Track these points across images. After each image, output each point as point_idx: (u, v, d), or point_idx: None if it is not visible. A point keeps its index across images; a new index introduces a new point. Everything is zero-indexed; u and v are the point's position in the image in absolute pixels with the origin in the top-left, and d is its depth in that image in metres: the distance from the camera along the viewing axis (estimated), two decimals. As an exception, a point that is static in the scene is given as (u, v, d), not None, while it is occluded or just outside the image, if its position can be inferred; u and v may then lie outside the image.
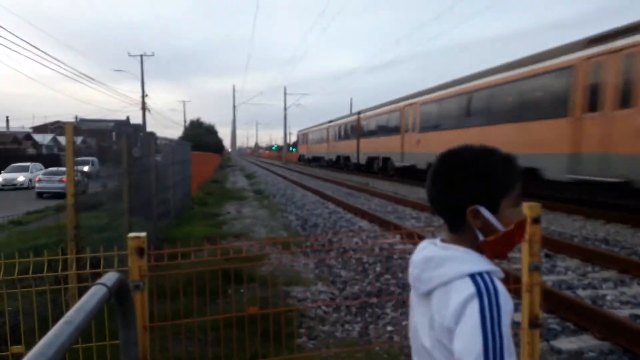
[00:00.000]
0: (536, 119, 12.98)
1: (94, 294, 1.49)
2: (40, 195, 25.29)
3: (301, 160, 58.47)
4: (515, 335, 3.98)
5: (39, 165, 33.16)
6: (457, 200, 1.22)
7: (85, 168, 24.64)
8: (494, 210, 1.21)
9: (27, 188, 29.99)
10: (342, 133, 36.46)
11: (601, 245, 8.77)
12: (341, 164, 36.99)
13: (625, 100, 10.08)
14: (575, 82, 11.45)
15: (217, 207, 15.64)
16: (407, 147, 23.09)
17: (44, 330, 2.80)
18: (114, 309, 1.81)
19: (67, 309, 3.48)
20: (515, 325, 4.07)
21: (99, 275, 2.81)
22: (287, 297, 5.63)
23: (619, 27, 10.69)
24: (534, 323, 2.85)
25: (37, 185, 25.86)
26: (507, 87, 14.27)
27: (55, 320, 2.81)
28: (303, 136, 57.01)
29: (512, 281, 3.49)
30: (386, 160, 27.46)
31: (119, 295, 1.73)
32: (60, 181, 25.44)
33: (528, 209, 2.83)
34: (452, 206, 1.24)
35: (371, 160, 30.39)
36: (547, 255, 7.80)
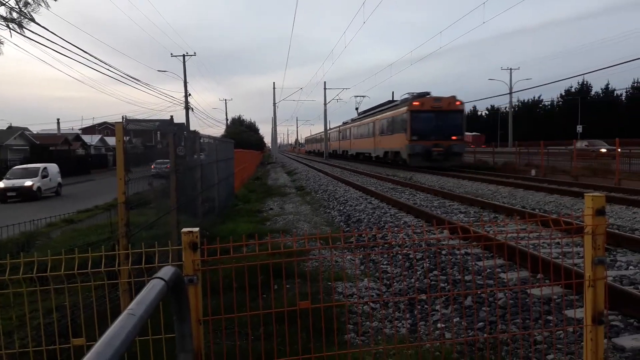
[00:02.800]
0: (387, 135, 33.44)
1: (153, 287, 1.53)
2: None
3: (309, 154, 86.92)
4: (577, 333, 3.84)
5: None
6: None
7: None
8: None
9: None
10: (339, 136, 56.92)
11: (666, 239, 8.33)
12: (340, 155, 56.00)
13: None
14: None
15: (260, 204, 15.86)
16: (378, 143, 37.74)
17: (101, 323, 2.91)
18: (167, 302, 1.85)
19: (122, 302, 3.59)
20: (577, 321, 3.92)
21: (151, 270, 2.89)
22: (334, 293, 5.63)
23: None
24: (598, 319, 2.73)
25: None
26: (377, 121, 36.50)
27: (113, 313, 2.91)
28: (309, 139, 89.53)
29: (573, 276, 3.37)
30: (345, 151, 52.99)
31: (175, 289, 1.77)
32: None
33: (591, 200, 2.71)
34: None
35: (345, 152, 52.31)
36: (606, 249, 7.47)
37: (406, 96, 32.88)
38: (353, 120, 49.95)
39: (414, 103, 29.45)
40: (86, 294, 3.40)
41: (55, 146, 50.94)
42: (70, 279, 2.95)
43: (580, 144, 35.51)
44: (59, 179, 28.74)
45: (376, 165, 36.69)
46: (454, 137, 28.89)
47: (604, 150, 33.01)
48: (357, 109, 55.86)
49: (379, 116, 36.89)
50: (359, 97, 56.94)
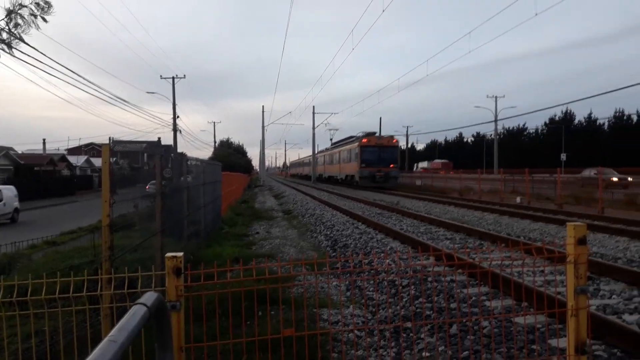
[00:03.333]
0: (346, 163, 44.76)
1: (135, 313, 1.52)
2: None
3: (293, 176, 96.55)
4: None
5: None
6: None
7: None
8: None
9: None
10: (310, 162, 65.68)
11: (648, 268, 8.43)
12: (316, 178, 61.80)
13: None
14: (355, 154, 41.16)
15: (247, 228, 15.77)
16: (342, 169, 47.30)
17: (81, 349, 2.85)
18: (148, 328, 1.83)
19: (104, 328, 3.52)
20: (561, 351, 3.93)
21: (133, 295, 2.86)
22: (319, 320, 5.59)
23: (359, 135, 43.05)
24: (580, 349, 2.75)
25: None
26: (341, 152, 47.42)
27: (93, 339, 2.85)
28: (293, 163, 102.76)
29: (556, 305, 3.40)
30: (320, 174, 60.71)
31: (157, 315, 1.75)
32: None
33: (573, 229, 2.76)
34: None
35: (320, 175, 60.78)
36: (589, 278, 7.53)
37: (360, 134, 44.61)
38: (326, 150, 62.22)
39: (363, 140, 40.74)
40: (66, 319, 3.34)
41: (40, 166, 50.39)
42: (51, 302, 2.89)
43: (589, 172, 33.93)
44: (16, 204, 25.01)
45: (341, 185, 46.51)
46: (391, 165, 40.09)
47: (615, 179, 30.96)
48: (331, 139, 67.56)
49: (341, 148, 48.70)
50: (332, 130, 68.86)
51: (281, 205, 26.05)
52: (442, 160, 78.77)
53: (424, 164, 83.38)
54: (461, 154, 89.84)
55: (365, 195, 30.87)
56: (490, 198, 26.96)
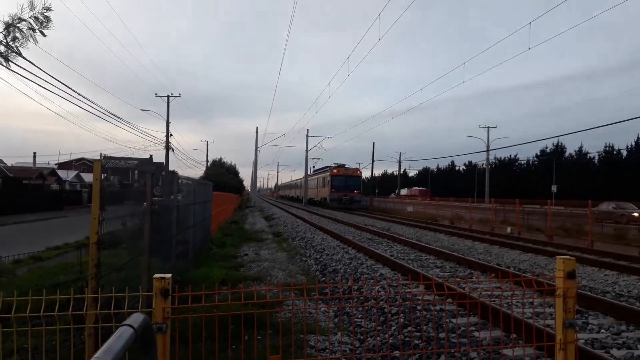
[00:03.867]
0: (321, 188, 57.14)
1: (121, 335, 1.50)
2: None
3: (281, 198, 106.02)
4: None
5: None
6: None
7: None
8: None
9: None
10: (297, 185, 76.65)
11: (636, 302, 8.46)
12: (300, 199, 70.36)
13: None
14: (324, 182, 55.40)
15: (236, 249, 15.66)
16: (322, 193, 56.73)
17: (63, 370, 2.79)
18: (134, 351, 1.81)
19: (87, 347, 3.46)
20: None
21: (119, 315, 2.82)
22: (305, 347, 5.53)
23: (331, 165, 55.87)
24: (568, 384, 2.74)
25: None
26: (317, 179, 60.14)
27: (76, 358, 2.80)
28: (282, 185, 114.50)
29: (545, 338, 3.39)
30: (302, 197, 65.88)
31: (143, 337, 1.74)
32: None
33: (562, 263, 2.78)
34: None
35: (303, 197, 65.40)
36: (578, 312, 7.54)
37: (333, 165, 56.40)
38: (308, 176, 71.47)
39: (334, 170, 53.07)
40: (49, 337, 3.28)
41: (29, 180, 49.95)
42: (34, 320, 2.85)
43: (607, 207, 32.39)
44: None
45: (320, 206, 54.40)
46: (355, 191, 52.01)
47: (636, 214, 30.11)
48: (314, 166, 78.27)
49: (318, 176, 60.70)
50: (314, 159, 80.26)
51: (271, 227, 25.94)
52: (420, 188, 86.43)
53: (404, 191, 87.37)
54: (453, 182, 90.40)
55: (357, 221, 30.86)
56: (481, 227, 27.05)
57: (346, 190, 51.23)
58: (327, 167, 59.08)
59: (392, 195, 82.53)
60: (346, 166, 55.10)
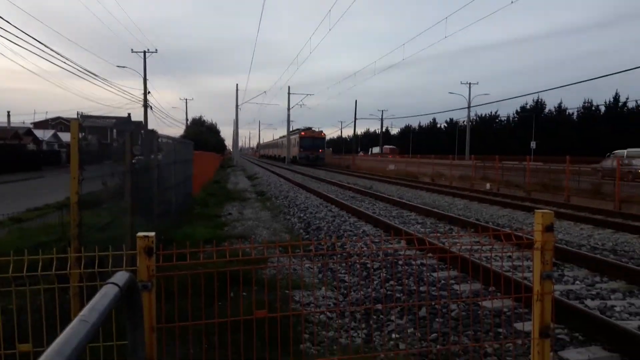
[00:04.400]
0: (292, 147, 65.68)
1: (107, 293, 1.50)
2: None
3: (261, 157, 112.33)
4: (525, 345, 3.98)
5: None
6: None
7: None
8: None
9: None
10: (278, 145, 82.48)
11: (609, 255, 8.76)
12: (274, 158, 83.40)
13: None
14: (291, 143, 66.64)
15: (219, 208, 15.66)
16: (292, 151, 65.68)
17: (50, 328, 2.81)
18: (119, 308, 1.81)
19: (73, 307, 3.47)
20: (526, 334, 4.06)
21: (103, 274, 2.82)
22: (291, 302, 5.63)
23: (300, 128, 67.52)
24: (544, 333, 2.85)
25: None
26: (290, 139, 66.47)
27: (62, 318, 2.81)
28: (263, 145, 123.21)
29: (523, 290, 3.50)
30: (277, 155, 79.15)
31: (129, 295, 1.74)
32: None
33: (541, 216, 2.83)
34: None
35: (278, 155, 77.19)
36: (554, 265, 7.78)
37: (301, 128, 67.28)
38: (281, 137, 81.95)
39: (302, 133, 63.07)
40: (34, 297, 3.27)
41: (5, 140, 48.74)
42: (18, 280, 2.83)
43: (611, 163, 23.68)
44: None
45: (304, 165, 57.40)
46: (320, 150, 62.13)
47: None
48: (296, 127, 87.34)
49: (291, 137, 67.57)
50: (294, 120, 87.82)
51: (254, 187, 25.93)
52: (390, 146, 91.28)
53: (376, 149, 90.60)
54: (434, 139, 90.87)
55: (340, 179, 31.01)
56: (462, 184, 27.43)
57: (312, 149, 61.34)
58: (297, 129, 70.09)
59: (360, 153, 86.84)
60: (312, 129, 66.84)
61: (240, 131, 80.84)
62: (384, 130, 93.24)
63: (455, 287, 6.39)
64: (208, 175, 29.83)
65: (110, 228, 6.69)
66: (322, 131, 66.88)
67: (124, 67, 48.58)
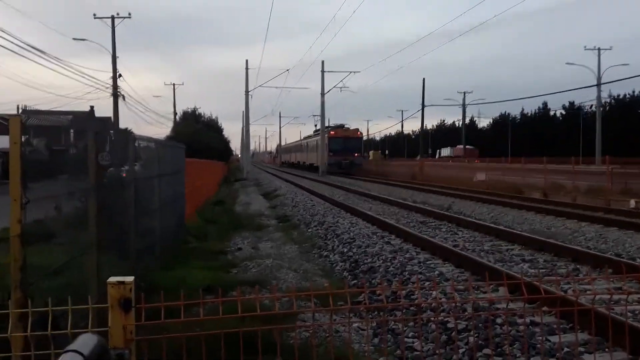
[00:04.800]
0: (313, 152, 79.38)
1: (66, 365, 1.52)
2: None
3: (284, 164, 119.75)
4: None
5: None
6: None
7: None
8: None
9: None
10: (304, 147, 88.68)
11: None
12: (300, 166, 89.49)
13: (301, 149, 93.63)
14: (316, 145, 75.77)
15: (223, 242, 15.82)
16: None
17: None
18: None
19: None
20: None
21: (59, 338, 2.86)
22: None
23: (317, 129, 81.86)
24: None
25: None
26: (309, 142, 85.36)
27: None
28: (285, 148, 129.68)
29: None
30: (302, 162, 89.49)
31: (98, 368, 1.76)
32: None
33: None
34: None
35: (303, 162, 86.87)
36: None
37: (332, 125, 77.18)
38: (307, 138, 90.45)
39: (331, 132, 69.58)
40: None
41: None
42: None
43: None
44: None
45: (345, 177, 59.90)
46: (356, 154, 68.84)
47: None
48: (315, 125, 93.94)
49: (317, 138, 72.84)
50: (317, 116, 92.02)
51: (274, 209, 26.13)
52: (468, 146, 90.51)
53: (445, 151, 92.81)
54: (547, 132, 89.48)
55: (402, 196, 30.94)
56: (591, 200, 26.87)
57: (345, 154, 66.48)
58: (326, 127, 73.65)
59: (418, 157, 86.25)
60: (346, 127, 73.43)
61: (252, 128, 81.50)
62: (467, 121, 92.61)
63: (587, 358, 6.22)
64: (207, 192, 30.27)
65: (68, 271, 6.83)
66: (357, 129, 73.98)
67: (83, 40, 49.92)
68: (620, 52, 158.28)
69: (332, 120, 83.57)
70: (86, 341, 1.73)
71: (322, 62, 68.45)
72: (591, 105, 75.56)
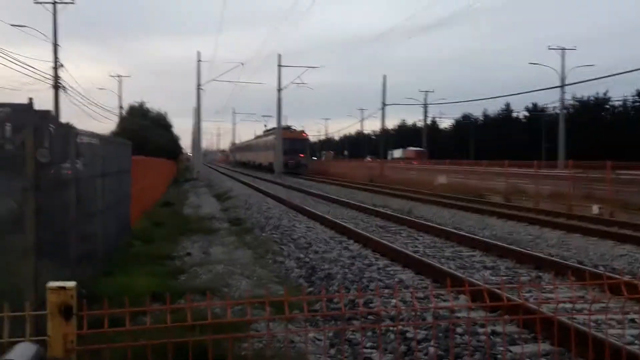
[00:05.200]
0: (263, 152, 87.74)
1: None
2: None
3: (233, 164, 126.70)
4: None
5: None
6: None
7: None
8: None
9: None
10: (258, 146, 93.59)
11: None
12: (253, 166, 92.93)
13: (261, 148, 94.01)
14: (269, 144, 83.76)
15: (171, 245, 15.68)
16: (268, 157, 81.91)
17: None
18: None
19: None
20: None
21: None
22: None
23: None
24: None
25: None
26: (259, 141, 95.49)
27: None
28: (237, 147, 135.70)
29: None
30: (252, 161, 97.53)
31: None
32: None
33: None
34: None
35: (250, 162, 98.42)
36: None
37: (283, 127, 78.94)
38: (258, 137, 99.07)
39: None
40: None
41: None
42: None
43: None
44: None
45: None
46: (301, 155, 74.49)
47: None
48: (265, 125, 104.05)
49: (266, 139, 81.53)
50: (266, 117, 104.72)
51: (226, 212, 25.99)
52: (417, 149, 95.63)
53: (397, 152, 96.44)
54: (510, 134, 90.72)
55: (360, 199, 31.08)
56: (553, 205, 27.34)
57: (292, 154, 70.79)
58: (272, 128, 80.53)
59: (368, 158, 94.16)
60: (291, 128, 78.87)
61: (204, 125, 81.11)
62: (429, 122, 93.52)
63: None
64: (155, 193, 29.98)
65: (1, 277, 6.71)
66: (303, 131, 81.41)
67: (21, 26, 49.02)
68: (585, 51, 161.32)
69: (289, 118, 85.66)
70: (23, 351, 1.68)
71: (279, 55, 68.59)
72: (554, 107, 76.76)
